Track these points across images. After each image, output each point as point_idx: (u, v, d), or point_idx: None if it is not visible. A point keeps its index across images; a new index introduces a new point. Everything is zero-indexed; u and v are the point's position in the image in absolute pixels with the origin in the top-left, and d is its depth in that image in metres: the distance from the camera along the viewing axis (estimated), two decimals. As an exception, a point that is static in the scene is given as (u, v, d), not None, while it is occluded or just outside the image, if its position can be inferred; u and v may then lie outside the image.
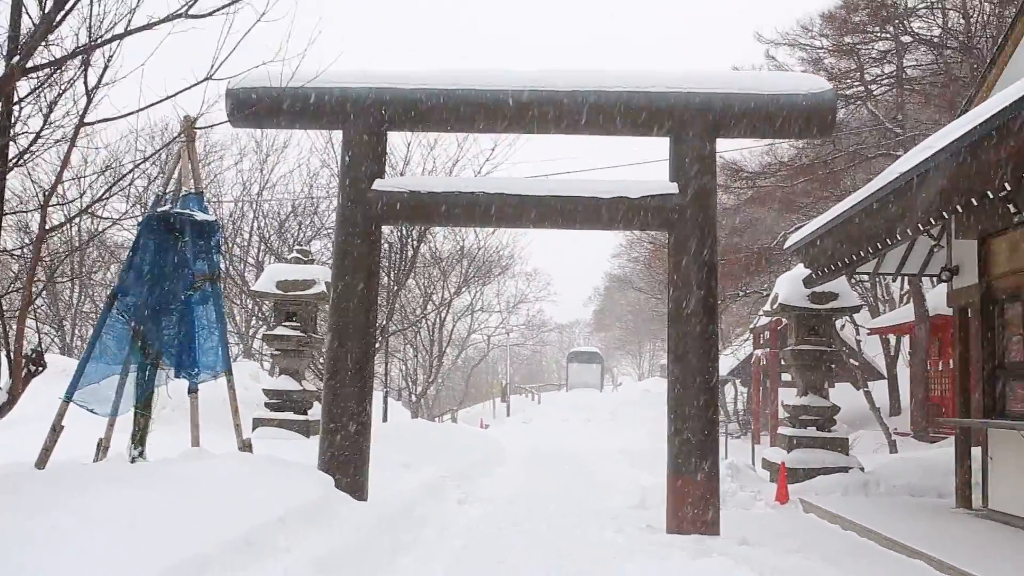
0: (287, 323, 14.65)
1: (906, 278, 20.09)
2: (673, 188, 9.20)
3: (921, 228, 8.27)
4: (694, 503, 8.86)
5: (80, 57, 5.77)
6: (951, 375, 20.86)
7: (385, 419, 23.32)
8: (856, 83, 20.65)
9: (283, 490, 6.42)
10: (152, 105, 6.06)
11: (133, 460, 7.72)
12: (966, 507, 10.28)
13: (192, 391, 8.06)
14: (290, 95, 8.81)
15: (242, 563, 4.84)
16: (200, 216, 8.32)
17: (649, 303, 43.58)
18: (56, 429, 7.39)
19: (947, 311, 19.49)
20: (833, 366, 13.74)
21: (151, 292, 8.04)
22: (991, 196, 6.92)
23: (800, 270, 13.09)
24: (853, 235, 9.55)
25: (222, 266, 10.27)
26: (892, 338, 24.62)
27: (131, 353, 8.02)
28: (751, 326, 25.40)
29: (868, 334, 23.42)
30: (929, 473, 12.08)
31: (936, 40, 19.32)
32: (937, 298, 20.46)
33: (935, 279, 11.73)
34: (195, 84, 6.10)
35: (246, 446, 8.54)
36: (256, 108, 8.99)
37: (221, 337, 8.54)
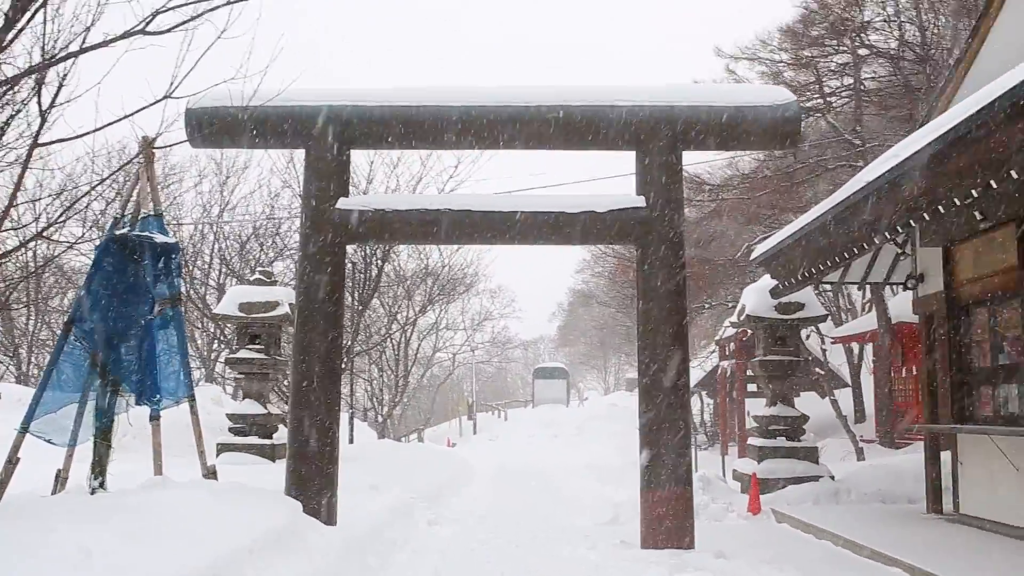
0: (250, 346, 14.40)
1: (868, 287, 20.29)
2: (640, 201, 9.15)
3: (888, 237, 8.30)
4: (668, 517, 8.77)
5: (33, 76, 5.59)
6: (915, 381, 21.09)
7: (351, 440, 23.04)
8: (815, 95, 20.87)
9: (250, 518, 6.22)
10: (109, 125, 5.90)
11: (93, 491, 7.46)
12: (937, 512, 10.32)
13: (154, 418, 7.81)
14: (251, 114, 8.63)
15: (209, 596, 4.67)
16: (160, 238, 8.10)
17: (614, 317, 43.69)
18: (12, 461, 7.12)
19: (910, 319, 19.69)
20: (800, 376, 13.75)
21: (110, 317, 7.80)
22: (958, 203, 6.95)
23: (767, 281, 13.14)
24: (819, 245, 9.58)
25: (183, 289, 10.03)
26: (855, 346, 24.83)
27: (89, 380, 7.78)
28: (716, 338, 25.48)
29: (832, 343, 23.58)
30: (898, 480, 12.13)
31: (893, 52, 19.57)
32: (899, 306, 20.67)
33: (901, 287, 11.81)
34: (153, 103, 5.95)
35: (211, 473, 8.31)
36: (216, 128, 8.83)
37: (183, 362, 8.31)
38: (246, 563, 5.37)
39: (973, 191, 6.73)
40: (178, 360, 8.28)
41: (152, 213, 8.32)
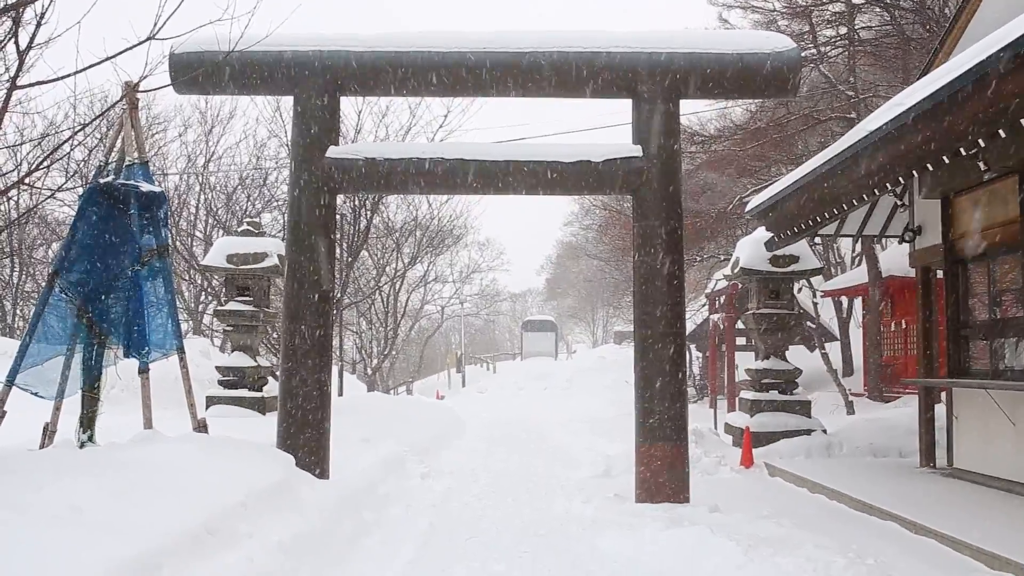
0: (239, 298, 14.20)
1: (859, 241, 20.22)
2: (637, 151, 8.97)
3: (889, 187, 8.16)
4: (664, 471, 8.72)
5: (10, 15, 5.35)
6: (904, 336, 21.13)
7: (341, 393, 22.98)
8: (809, 45, 20.54)
9: (243, 472, 6.11)
10: (91, 67, 5.66)
11: (82, 445, 7.33)
12: (930, 466, 10.32)
13: (143, 371, 7.67)
14: (237, 59, 8.37)
15: (203, 553, 4.54)
16: (146, 187, 7.89)
17: (603, 270, 43.58)
18: (-2, 414, 6.99)
19: (900, 273, 19.75)
20: (794, 330, 13.68)
21: (96, 268, 7.61)
22: (963, 153, 6.81)
23: (761, 233, 13.00)
24: (817, 197, 9.44)
25: (170, 240, 9.82)
26: (845, 300, 24.83)
27: (76, 332, 7.61)
28: (706, 291, 25.40)
29: (822, 297, 23.56)
30: (890, 433, 12.13)
31: (889, 1, 19.25)
32: (890, 260, 20.62)
33: (896, 240, 11.71)
34: (136, 44, 5.72)
35: (201, 426, 8.19)
36: (201, 72, 8.56)
37: (171, 314, 8.14)
38: (240, 518, 5.26)
39: (980, 140, 6.59)
40: (166, 312, 8.12)
41: (137, 161, 8.10)
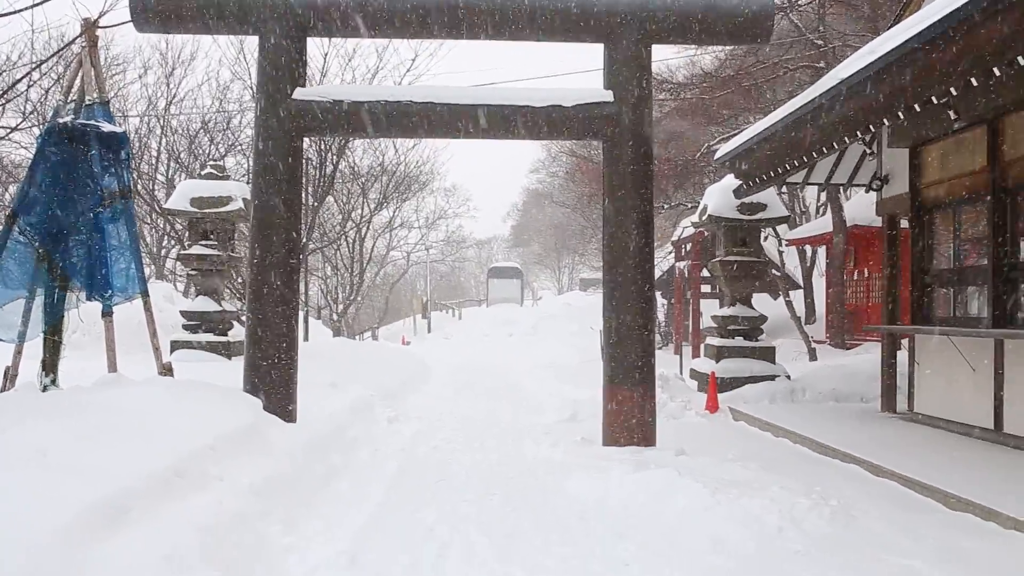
0: (203, 242, 14.02)
1: (825, 190, 20.34)
2: (608, 96, 8.88)
3: (859, 135, 8.17)
4: (630, 415, 8.79)
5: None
6: (866, 284, 21.40)
7: (306, 339, 22.90)
8: (779, -8, 20.38)
9: (211, 416, 6.07)
10: (47, 0, 5.46)
11: (44, 389, 7.25)
12: (891, 411, 10.51)
13: (106, 314, 7.56)
14: (200, -6, 8.14)
15: (172, 496, 4.50)
16: (107, 127, 7.71)
17: (569, 217, 43.58)
18: (-43, 358, 6.87)
19: (864, 222, 19.94)
20: (760, 277, 13.78)
21: (56, 210, 7.44)
22: (935, 101, 6.82)
23: (729, 181, 13.02)
24: (786, 145, 9.43)
25: (132, 182, 9.60)
26: (808, 249, 25.05)
27: (37, 276, 7.47)
28: (673, 238, 25.49)
29: (787, 245, 23.75)
30: (852, 379, 12.33)
31: (859, -53, 19.13)
32: (854, 209, 20.79)
33: (865, 188, 11.78)
34: (96, -24, 5.50)
35: (166, 370, 8.14)
36: (163, 8, 8.32)
37: (135, 257, 8.01)
38: (209, 461, 5.23)
39: (951, 90, 6.59)
40: (129, 256, 7.99)
41: (97, 101, 7.91)
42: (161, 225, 24.96)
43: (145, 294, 8.09)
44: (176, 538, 4.06)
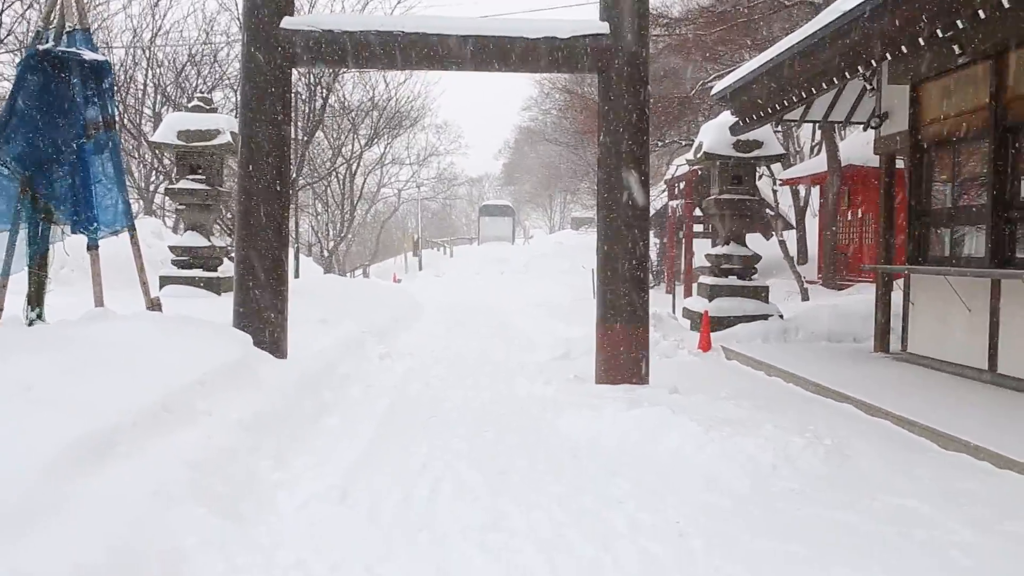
0: (191, 176, 13.78)
1: (818, 129, 20.13)
2: (604, 28, 8.67)
3: (861, 70, 8.00)
4: (624, 353, 8.75)
5: None
6: (860, 225, 21.30)
7: (297, 276, 22.79)
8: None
9: (199, 351, 5.98)
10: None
11: (31, 323, 7.14)
12: (885, 352, 10.50)
13: (92, 247, 7.40)
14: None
15: (160, 431, 4.43)
16: (89, 55, 7.47)
17: (561, 155, 43.23)
18: (-60, 291, 6.74)
19: (859, 162, 19.76)
20: (755, 216, 13.66)
21: (38, 140, 7.24)
22: (939, 35, 6.65)
23: (726, 118, 12.84)
24: (785, 80, 9.27)
25: (117, 112, 9.34)
26: (802, 189, 24.89)
27: (21, 208, 7.30)
28: (666, 177, 25.30)
29: (780, 185, 23.58)
30: (845, 319, 12.30)
31: None
32: (849, 149, 20.60)
33: (863, 126, 11.62)
34: None
35: (155, 305, 8.02)
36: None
37: (121, 190, 7.83)
38: (198, 396, 5.15)
39: (957, 22, 6.42)
40: (116, 188, 7.82)
41: (79, 27, 7.65)
42: (149, 160, 24.59)
43: (132, 228, 7.94)
44: (164, 473, 4.00)
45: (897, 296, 10.65)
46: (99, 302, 7.27)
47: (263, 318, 8.54)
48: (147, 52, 25.30)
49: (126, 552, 3.34)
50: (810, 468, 5.74)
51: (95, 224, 7.34)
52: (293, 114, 21.51)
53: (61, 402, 4.19)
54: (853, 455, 6.04)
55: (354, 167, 31.30)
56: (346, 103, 27.58)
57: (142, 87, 25.38)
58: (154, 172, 25.56)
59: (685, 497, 5.19)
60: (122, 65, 24.70)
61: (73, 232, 7.45)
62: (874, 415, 7.23)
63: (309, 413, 6.72)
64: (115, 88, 8.43)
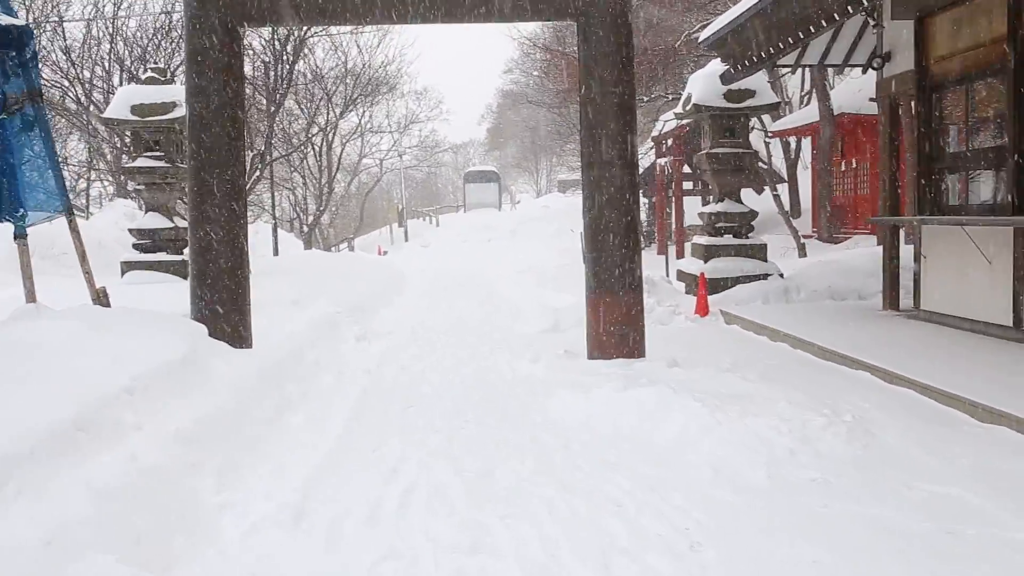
0: (149, 153, 12.94)
1: (814, 73, 19.33)
2: (582, -33, 7.87)
3: (865, 3, 7.24)
4: (617, 324, 8.05)
5: None
6: (855, 176, 20.59)
7: (276, 253, 22.03)
8: None
9: (136, 350, 5.23)
10: None
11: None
12: (894, 309, 9.82)
13: (19, 236, 6.64)
14: None
15: (68, 457, 3.68)
16: (5, 20, 6.65)
17: (545, 117, 42.29)
18: None
19: (852, 109, 19.03)
20: (749, 170, 12.92)
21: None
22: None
23: (715, 67, 12.07)
24: (778, 20, 8.51)
25: (41, 83, 8.46)
26: (792, 141, 24.12)
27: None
28: (653, 134, 24.47)
29: (771, 137, 22.83)
30: (848, 275, 11.63)
31: None
32: (841, 97, 19.84)
33: (862, 69, 10.86)
34: None
35: (100, 297, 7.27)
36: None
37: (54, 170, 7.06)
38: (125, 407, 4.41)
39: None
40: (47, 168, 7.04)
41: (-10, -13, 6.82)
42: (115, 141, 23.62)
43: (69, 212, 7.17)
44: (65, 513, 3.27)
45: (906, 249, 9.97)
46: (31, 298, 6.51)
47: (221, 304, 7.80)
48: (109, 27, 24.24)
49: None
50: (832, 451, 5.08)
51: (21, 211, 6.57)
52: (261, 82, 20.64)
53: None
54: (878, 432, 5.38)
55: (330, 136, 30.33)
56: (317, 71, 26.58)
57: (108, 61, 24.35)
58: (127, 152, 24.60)
59: (692, 494, 4.53)
60: (85, 41, 23.69)
61: (-2, 220, 6.68)
62: (895, 383, 6.54)
63: (269, 412, 6.01)
64: (37, 56, 7.59)
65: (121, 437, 4.15)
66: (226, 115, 7.84)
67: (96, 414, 4.12)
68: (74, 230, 7.24)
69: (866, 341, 7.89)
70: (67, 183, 26.14)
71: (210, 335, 7.11)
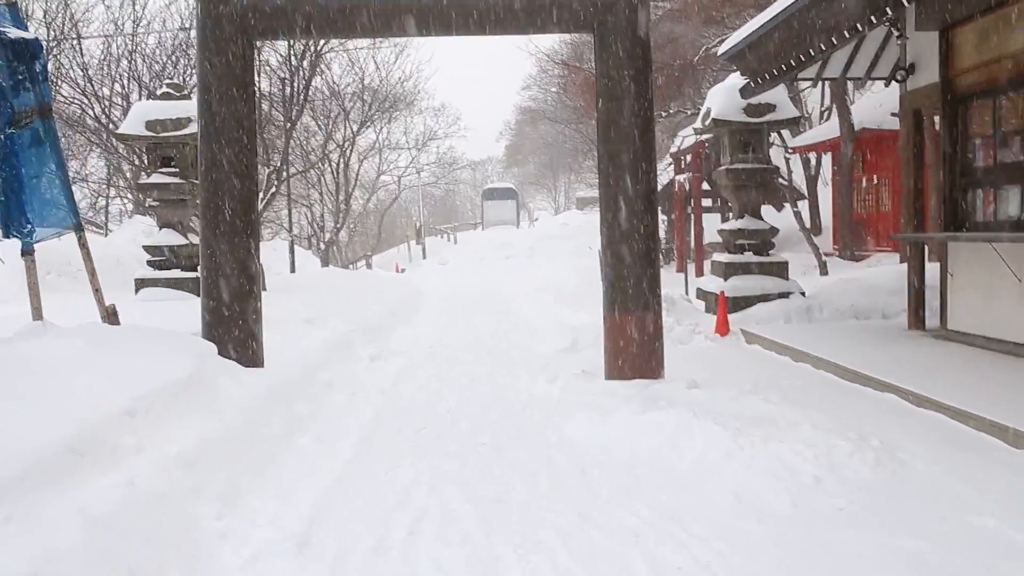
0: (163, 169, 12.88)
1: (835, 87, 19.11)
2: (599, -21, 7.73)
3: (890, 12, 7.05)
4: (635, 345, 7.84)
5: None
6: (876, 192, 20.32)
7: (293, 270, 21.99)
8: None
9: (139, 369, 5.09)
10: None
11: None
12: (920, 329, 9.58)
13: (26, 252, 6.55)
14: None
15: (61, 482, 3.54)
16: (15, 32, 6.59)
17: (563, 134, 42.24)
18: None
19: (873, 125, 18.77)
20: (770, 186, 12.70)
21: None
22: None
23: (734, 81, 11.90)
24: (800, 32, 8.33)
25: (51, 97, 8.37)
26: (812, 157, 23.88)
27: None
28: (671, 150, 24.28)
29: (791, 152, 22.58)
30: (871, 294, 11.39)
31: None
32: (862, 113, 19.59)
33: (885, 82, 10.65)
34: None
35: (110, 314, 7.16)
36: None
37: (63, 185, 6.97)
38: (125, 429, 4.27)
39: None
40: (57, 184, 6.96)
41: (3, 1, 6.76)
42: (132, 157, 23.69)
43: (79, 228, 7.08)
44: (54, 543, 3.12)
45: (931, 267, 9.73)
46: (37, 315, 6.40)
47: (231, 322, 7.67)
48: (129, 43, 24.36)
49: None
50: (859, 479, 4.86)
51: (29, 226, 6.47)
52: (278, 97, 20.63)
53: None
54: (908, 460, 5.16)
55: (348, 153, 30.31)
56: (334, 87, 26.59)
57: (126, 77, 24.46)
58: (142, 169, 24.66)
59: (713, 523, 4.32)
60: (104, 58, 23.82)
61: (6, 236, 6.57)
62: (923, 406, 6.31)
63: (277, 433, 5.85)
64: (48, 70, 7.51)
65: (120, 460, 4.00)
66: (238, 130, 7.74)
67: (94, 436, 3.98)
68: (83, 247, 7.15)
69: (892, 362, 7.66)
70: (87, 200, 26.40)
71: (220, 353, 7.00)
